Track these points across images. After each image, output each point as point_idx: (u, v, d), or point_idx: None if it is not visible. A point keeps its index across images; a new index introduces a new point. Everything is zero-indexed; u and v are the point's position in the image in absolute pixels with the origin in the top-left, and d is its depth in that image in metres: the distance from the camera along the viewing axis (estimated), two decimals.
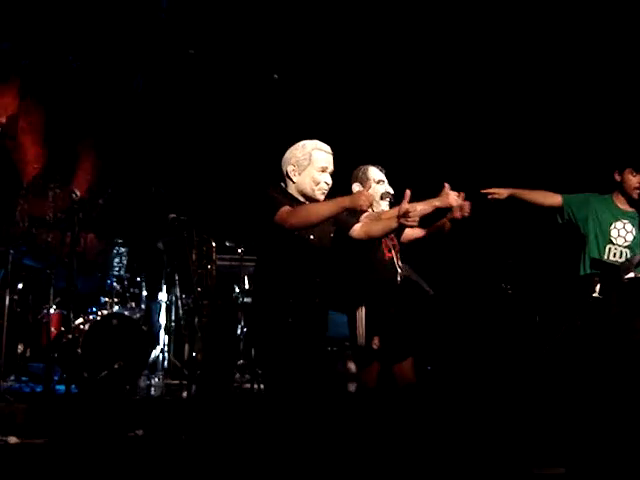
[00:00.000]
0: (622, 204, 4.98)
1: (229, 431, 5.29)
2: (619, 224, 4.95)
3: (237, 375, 6.90)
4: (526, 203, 5.07)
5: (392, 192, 4.71)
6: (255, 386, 6.34)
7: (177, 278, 7.16)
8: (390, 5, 7.77)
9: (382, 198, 4.66)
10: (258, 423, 4.35)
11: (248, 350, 6.88)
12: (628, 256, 4.88)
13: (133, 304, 6.97)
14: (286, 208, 3.62)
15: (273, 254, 3.77)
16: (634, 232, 4.93)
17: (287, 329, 3.73)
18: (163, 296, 7.12)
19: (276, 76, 7.31)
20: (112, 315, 6.60)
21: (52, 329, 6.51)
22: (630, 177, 4.89)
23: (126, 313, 6.76)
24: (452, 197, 4.37)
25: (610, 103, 7.28)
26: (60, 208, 7.82)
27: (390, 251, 4.65)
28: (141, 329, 6.65)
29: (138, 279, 7.13)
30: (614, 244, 4.93)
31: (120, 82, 8.34)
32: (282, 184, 3.90)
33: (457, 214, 4.45)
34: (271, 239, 3.74)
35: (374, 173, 4.71)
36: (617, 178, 4.98)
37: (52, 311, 6.58)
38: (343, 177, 4.34)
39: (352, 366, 4.78)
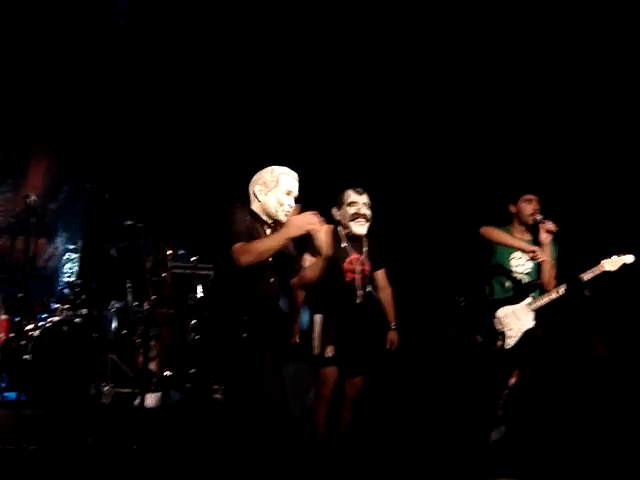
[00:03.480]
0: (520, 234, 5.24)
1: (182, 440, 5.27)
2: (517, 253, 5.21)
3: (189, 384, 6.87)
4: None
5: (364, 212, 4.90)
6: (208, 395, 6.31)
7: (129, 285, 7.09)
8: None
9: (351, 219, 4.99)
10: (215, 432, 4.40)
11: (201, 359, 6.84)
12: (527, 282, 5.17)
13: (84, 311, 6.87)
14: (238, 246, 3.77)
15: (232, 273, 3.90)
16: (532, 260, 5.16)
17: (242, 344, 3.87)
18: (115, 303, 7.05)
19: None
20: (63, 322, 6.52)
21: (1, 335, 6.40)
22: (524, 206, 5.18)
23: (77, 320, 6.67)
24: None
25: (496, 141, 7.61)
26: (11, 212, 7.68)
27: (354, 273, 4.96)
28: (92, 336, 6.58)
29: (90, 285, 7.04)
30: (514, 272, 5.20)
31: (74, 83, 8.21)
32: (248, 203, 4.07)
33: None
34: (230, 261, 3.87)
35: (347, 196, 5.07)
36: (512, 210, 5.27)
37: (2, 317, 6.46)
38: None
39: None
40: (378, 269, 5.18)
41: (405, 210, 7.61)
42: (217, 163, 8.21)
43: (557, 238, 5.16)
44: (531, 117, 7.46)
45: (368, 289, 5.08)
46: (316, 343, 4.90)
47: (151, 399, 6.03)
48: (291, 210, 4.00)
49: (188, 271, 6.99)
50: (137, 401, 5.97)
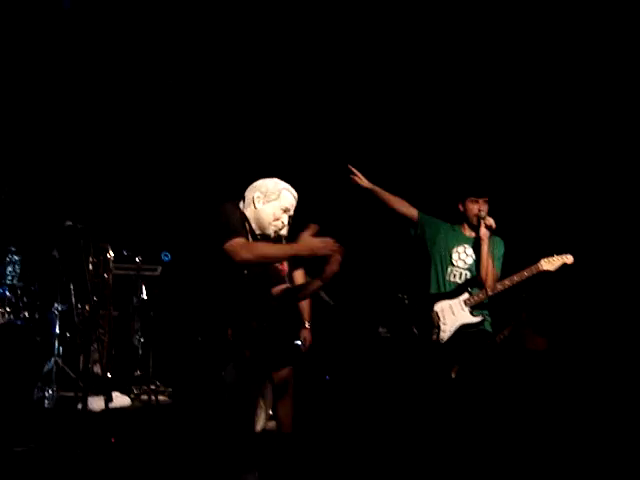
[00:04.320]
0: (467, 232, 5.31)
1: (127, 444, 5.22)
2: (460, 248, 5.28)
3: (134, 386, 6.83)
4: (381, 204, 5.38)
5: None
6: (153, 397, 6.27)
7: (72, 287, 7.00)
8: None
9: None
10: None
11: (146, 361, 6.81)
12: (468, 277, 5.20)
13: (26, 314, 6.78)
14: (240, 240, 3.72)
15: (203, 273, 3.91)
16: (474, 256, 5.24)
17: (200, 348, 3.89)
18: (58, 306, 6.95)
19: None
20: (4, 325, 6.43)
21: None
22: (470, 205, 5.20)
23: (19, 323, 6.58)
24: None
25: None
26: None
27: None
28: (35, 340, 6.49)
29: (32, 288, 6.94)
30: (455, 266, 5.27)
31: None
32: (240, 204, 4.02)
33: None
34: (208, 259, 3.85)
35: None
36: (460, 209, 5.33)
37: None
38: None
39: None
40: (296, 269, 5.22)
41: (353, 206, 7.64)
42: (159, 161, 8.14)
43: (504, 237, 5.23)
44: (482, 118, 7.57)
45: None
46: None
47: (95, 402, 5.96)
48: (282, 228, 3.98)
49: (132, 272, 6.94)
50: (80, 405, 5.91)
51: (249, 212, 3.98)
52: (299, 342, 5.67)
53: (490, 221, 5.06)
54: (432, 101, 7.80)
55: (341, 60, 7.74)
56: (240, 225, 3.86)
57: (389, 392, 6.46)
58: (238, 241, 3.71)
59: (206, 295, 3.89)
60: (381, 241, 7.52)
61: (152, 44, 7.59)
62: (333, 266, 3.88)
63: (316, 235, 3.74)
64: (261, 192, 3.97)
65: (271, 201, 3.96)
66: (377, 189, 5.35)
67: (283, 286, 4.32)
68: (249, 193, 4.02)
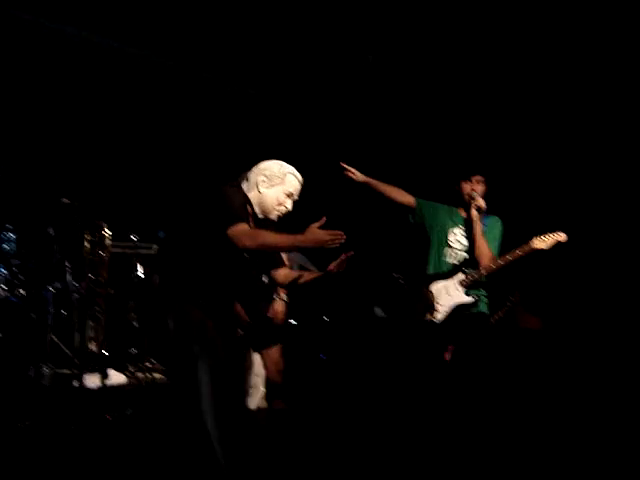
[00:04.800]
0: (464, 213, 5.31)
1: (122, 422, 5.25)
2: (457, 230, 5.26)
3: (130, 364, 6.84)
4: (378, 195, 5.36)
5: None
6: (148, 375, 6.29)
7: (68, 265, 7.01)
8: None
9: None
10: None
11: (141, 339, 6.83)
12: (464, 258, 5.18)
13: (22, 291, 6.77)
14: (244, 227, 3.64)
15: (200, 251, 3.79)
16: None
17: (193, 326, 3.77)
18: (54, 283, 6.95)
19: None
20: (0, 302, 6.43)
21: None
22: (464, 185, 5.22)
23: (14, 300, 6.58)
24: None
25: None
26: None
27: None
28: (30, 317, 6.50)
29: (28, 266, 6.93)
30: (452, 248, 5.26)
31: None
32: (243, 187, 3.93)
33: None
34: (208, 240, 3.76)
35: None
36: (457, 189, 5.30)
37: None
38: None
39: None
40: None
41: (353, 189, 7.67)
42: (155, 139, 8.12)
43: (503, 218, 5.23)
44: (476, 99, 7.58)
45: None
46: None
47: (90, 380, 5.98)
48: (286, 212, 3.91)
49: (128, 250, 6.93)
50: (76, 382, 5.93)
51: (252, 195, 3.90)
52: (292, 321, 5.68)
53: (480, 202, 5.05)
54: (428, 82, 7.79)
55: (336, 43, 7.73)
56: (243, 209, 3.78)
57: (384, 372, 6.48)
58: (242, 228, 3.63)
59: (203, 275, 3.83)
60: (377, 221, 7.52)
61: (147, 25, 7.56)
62: (340, 267, 3.86)
63: (323, 227, 3.60)
64: (265, 176, 3.88)
65: (275, 185, 3.87)
66: (372, 181, 5.33)
67: (294, 273, 4.25)
68: (253, 176, 3.92)
